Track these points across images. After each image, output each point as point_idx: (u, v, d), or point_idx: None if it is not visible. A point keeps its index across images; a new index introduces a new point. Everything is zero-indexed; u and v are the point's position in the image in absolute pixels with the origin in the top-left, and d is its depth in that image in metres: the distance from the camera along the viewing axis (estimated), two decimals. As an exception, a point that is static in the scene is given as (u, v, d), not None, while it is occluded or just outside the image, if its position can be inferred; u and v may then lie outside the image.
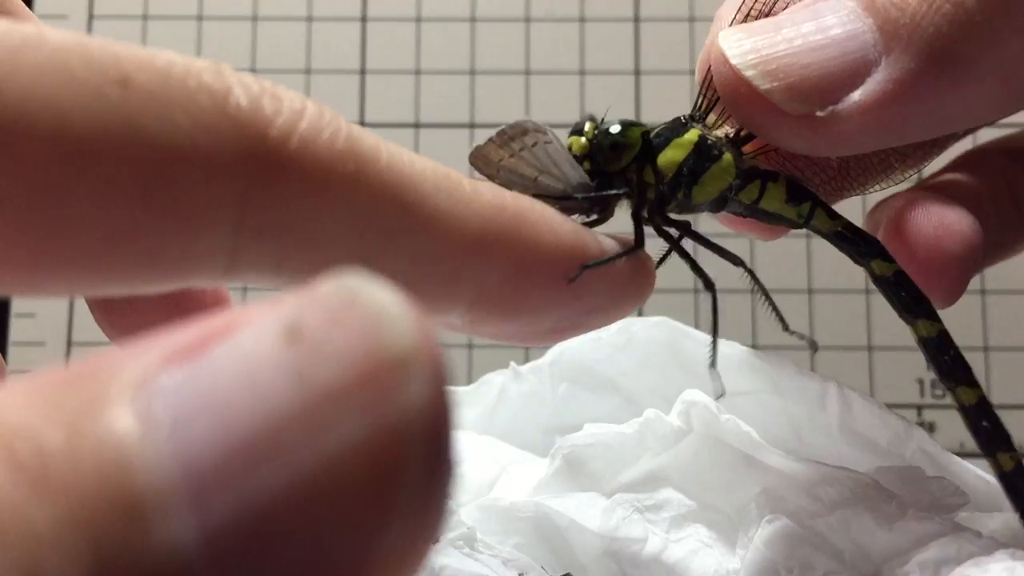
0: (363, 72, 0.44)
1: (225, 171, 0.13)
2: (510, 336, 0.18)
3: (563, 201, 0.19)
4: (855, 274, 0.42)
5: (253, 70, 0.44)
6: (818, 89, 0.18)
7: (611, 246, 0.18)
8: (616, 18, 0.44)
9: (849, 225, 0.22)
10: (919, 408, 0.41)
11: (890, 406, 0.24)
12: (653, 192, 0.20)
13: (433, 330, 0.08)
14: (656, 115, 0.43)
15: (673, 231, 0.21)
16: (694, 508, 0.22)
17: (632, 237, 0.19)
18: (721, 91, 0.19)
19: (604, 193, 0.20)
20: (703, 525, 0.22)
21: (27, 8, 0.21)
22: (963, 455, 0.24)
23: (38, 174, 0.11)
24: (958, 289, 0.21)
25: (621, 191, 0.20)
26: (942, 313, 0.22)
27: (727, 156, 0.20)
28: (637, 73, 0.44)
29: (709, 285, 0.21)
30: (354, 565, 0.08)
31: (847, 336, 0.42)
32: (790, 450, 0.23)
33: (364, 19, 0.45)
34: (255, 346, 0.08)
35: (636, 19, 0.44)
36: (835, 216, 0.22)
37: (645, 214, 0.20)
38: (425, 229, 0.15)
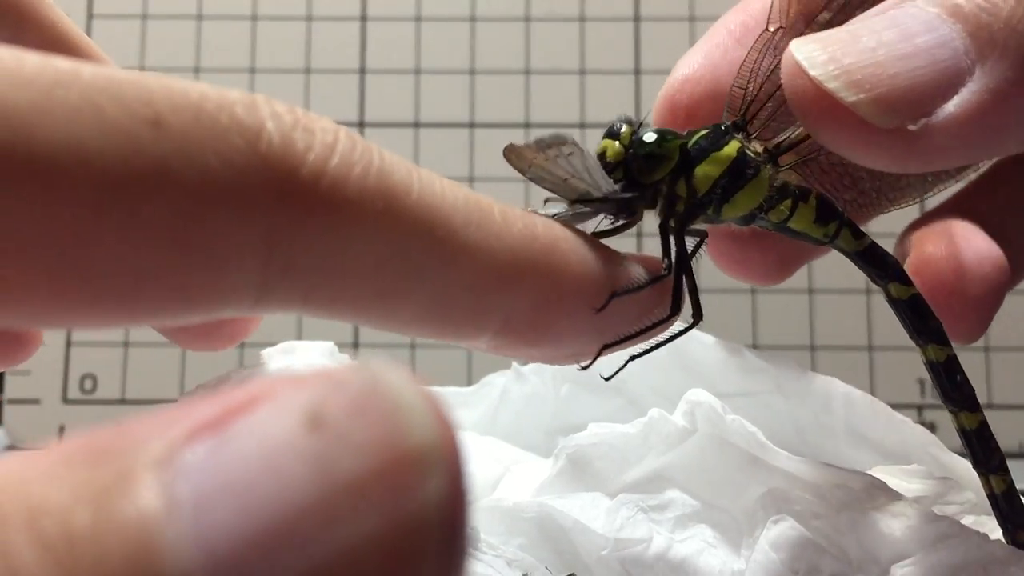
0: (363, 72, 0.44)
1: (255, 210, 0.12)
2: (535, 360, 0.18)
3: (590, 202, 0.19)
4: (855, 274, 0.42)
5: (253, 70, 0.44)
6: (909, 100, 0.17)
7: (639, 272, 0.18)
8: (616, 18, 0.44)
9: (872, 246, 0.21)
10: (919, 408, 0.41)
11: (891, 406, 0.24)
12: (683, 205, 0.20)
13: (452, 421, 0.09)
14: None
15: (689, 241, 0.20)
16: (699, 508, 0.22)
17: (660, 258, 0.19)
18: (798, 104, 0.18)
19: (629, 196, 0.19)
20: (708, 525, 0.22)
21: (83, 34, 0.21)
22: (963, 455, 0.24)
23: (68, 216, 0.11)
24: (979, 331, 0.21)
25: (648, 200, 0.19)
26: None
27: (763, 173, 0.20)
28: (637, 73, 0.44)
29: (698, 316, 0.20)
30: None
31: (847, 336, 0.42)
32: (794, 451, 0.23)
33: (364, 19, 0.45)
34: (277, 430, 0.08)
35: (636, 19, 0.44)
36: (860, 236, 0.21)
37: (672, 224, 0.20)
38: (454, 262, 0.15)
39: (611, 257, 0.18)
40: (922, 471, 0.22)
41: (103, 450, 0.08)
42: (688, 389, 0.23)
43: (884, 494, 0.20)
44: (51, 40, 0.20)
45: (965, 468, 0.23)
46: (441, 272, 0.15)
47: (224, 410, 0.08)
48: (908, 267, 0.22)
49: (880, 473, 0.22)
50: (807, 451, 0.24)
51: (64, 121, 0.11)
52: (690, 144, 0.20)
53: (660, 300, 0.18)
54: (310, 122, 0.13)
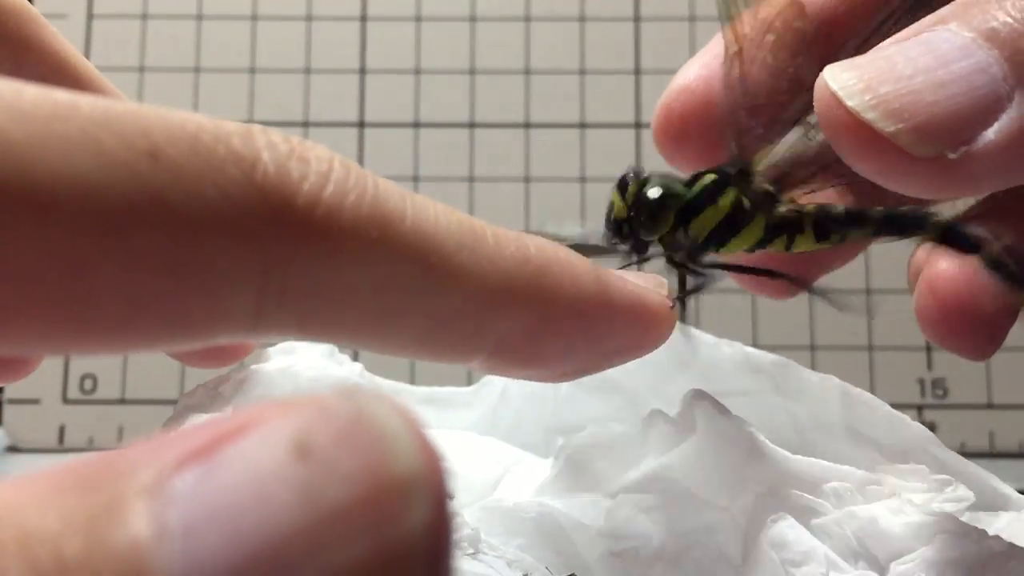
0: (363, 72, 0.44)
1: (251, 239, 0.13)
2: (529, 379, 0.18)
3: (603, 251, 0.20)
4: (855, 274, 0.42)
5: (253, 70, 0.44)
6: (948, 129, 0.16)
7: (633, 288, 0.18)
8: (616, 18, 0.44)
9: (886, 220, 0.21)
10: (919, 408, 0.41)
11: (891, 406, 0.24)
12: (684, 251, 0.21)
13: (437, 450, 0.09)
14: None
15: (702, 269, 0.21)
16: (698, 507, 0.22)
17: (657, 276, 0.19)
18: (834, 134, 0.17)
19: (633, 246, 0.20)
20: (707, 524, 0.22)
21: (85, 61, 0.21)
22: (963, 455, 0.24)
23: (66, 247, 0.11)
24: (993, 348, 0.21)
25: (649, 247, 0.20)
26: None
27: (758, 219, 0.20)
28: (637, 73, 0.44)
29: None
30: None
31: (847, 336, 0.42)
32: (794, 450, 0.23)
33: (364, 18, 0.45)
34: (265, 458, 0.08)
35: (636, 19, 0.44)
36: (864, 223, 0.21)
37: (677, 261, 0.21)
38: (447, 287, 0.15)
39: (603, 278, 0.18)
40: (921, 470, 0.22)
41: (94, 477, 0.08)
42: (687, 388, 0.23)
43: (883, 492, 0.20)
44: (53, 69, 0.20)
45: (964, 466, 0.23)
46: (435, 297, 0.15)
47: (213, 438, 0.08)
48: (922, 281, 0.22)
49: (879, 472, 0.22)
50: (807, 450, 0.24)
51: (62, 154, 0.11)
52: (689, 198, 0.20)
53: (654, 319, 0.19)
54: (305, 151, 0.13)
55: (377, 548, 0.08)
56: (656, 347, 0.19)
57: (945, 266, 0.21)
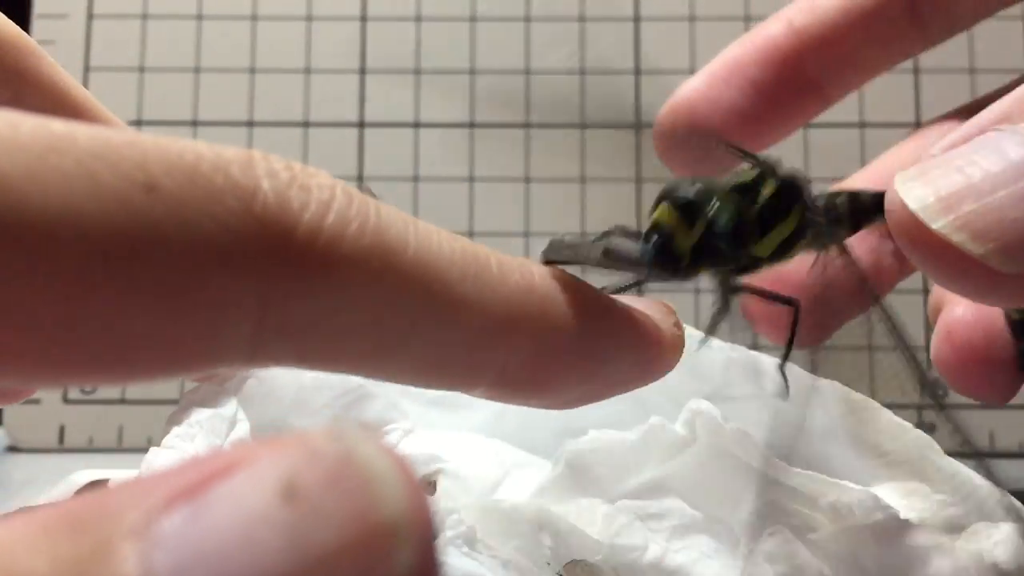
0: (363, 72, 0.44)
1: (250, 271, 0.12)
2: (533, 407, 0.18)
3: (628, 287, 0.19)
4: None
5: (253, 70, 0.44)
6: None
7: (640, 316, 0.18)
8: (616, 18, 0.44)
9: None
10: (919, 408, 0.41)
11: (890, 406, 0.24)
12: (736, 269, 0.19)
13: (423, 493, 0.09)
14: (656, 115, 0.43)
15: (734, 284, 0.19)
16: (697, 518, 0.22)
17: (664, 303, 0.18)
18: (917, 254, 0.17)
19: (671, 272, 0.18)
20: (705, 536, 0.22)
21: (83, 89, 0.21)
22: (963, 455, 0.24)
23: (61, 281, 0.11)
24: (1011, 393, 0.21)
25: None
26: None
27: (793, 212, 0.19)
28: (637, 73, 0.44)
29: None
30: None
31: (847, 336, 0.42)
32: (799, 457, 0.23)
33: (364, 19, 0.45)
34: (253, 500, 0.08)
35: (636, 19, 0.44)
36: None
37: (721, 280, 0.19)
38: (449, 317, 0.15)
39: (611, 306, 0.17)
40: (923, 489, 0.22)
41: (83, 519, 0.08)
42: (697, 393, 0.23)
43: (881, 511, 0.20)
44: (51, 100, 0.20)
45: (966, 474, 0.23)
46: (437, 327, 0.15)
47: (200, 478, 0.08)
48: (939, 326, 0.21)
49: (882, 490, 0.22)
50: (811, 456, 0.24)
51: (58, 187, 0.11)
52: (762, 215, 0.19)
53: (659, 350, 0.18)
54: (307, 179, 0.13)
55: None
56: (661, 376, 0.18)
57: (962, 312, 0.21)
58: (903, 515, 0.21)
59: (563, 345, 0.16)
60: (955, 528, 0.21)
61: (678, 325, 0.18)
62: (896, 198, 0.17)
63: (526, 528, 0.22)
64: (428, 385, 0.16)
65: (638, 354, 0.18)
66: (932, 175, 0.17)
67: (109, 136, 0.12)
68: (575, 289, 0.17)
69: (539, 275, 0.16)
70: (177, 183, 0.12)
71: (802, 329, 0.21)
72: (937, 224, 0.16)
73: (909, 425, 0.24)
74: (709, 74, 0.23)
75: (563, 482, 0.23)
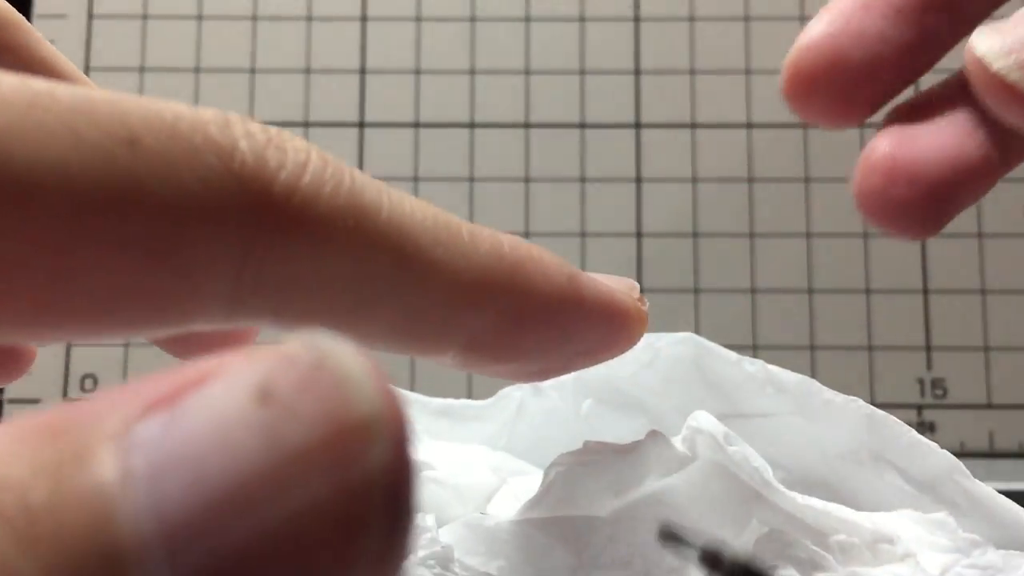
0: (363, 72, 0.44)
1: (227, 227, 0.13)
2: (500, 375, 0.19)
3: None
4: (855, 274, 0.42)
5: (253, 70, 0.44)
6: None
7: (605, 288, 0.18)
8: (616, 18, 0.44)
9: None
10: (919, 408, 0.41)
11: (890, 406, 0.24)
12: None
13: (397, 394, 0.09)
14: (656, 115, 0.43)
15: None
16: (693, 539, 0.21)
17: (630, 279, 0.19)
18: (983, 93, 0.19)
19: None
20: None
21: (63, 57, 0.21)
22: (963, 455, 0.24)
23: (44, 234, 0.12)
24: (926, 227, 0.20)
25: None
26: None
27: None
28: (637, 73, 0.44)
29: None
30: None
31: (847, 336, 0.42)
32: (818, 476, 0.22)
33: (364, 19, 0.45)
34: (228, 404, 0.08)
35: (636, 19, 0.44)
36: None
37: None
38: (421, 280, 0.15)
39: (576, 277, 0.18)
40: (949, 524, 0.21)
41: (61, 427, 0.08)
42: (712, 408, 0.22)
43: (895, 553, 0.20)
44: (31, 64, 0.20)
45: (991, 499, 0.22)
46: (409, 289, 0.15)
47: (177, 386, 0.09)
48: (860, 159, 0.21)
49: (905, 520, 0.21)
50: (829, 477, 0.23)
51: (41, 142, 0.11)
52: None
53: (626, 321, 0.19)
54: (283, 141, 0.14)
55: (339, 487, 0.08)
56: (626, 349, 0.19)
57: (874, 148, 0.21)
58: (925, 554, 0.20)
59: (531, 313, 0.17)
60: (984, 571, 0.20)
61: (642, 300, 0.19)
62: (971, 47, 0.19)
63: (509, 548, 0.22)
64: (402, 349, 0.17)
65: (604, 323, 0.18)
66: (1002, 29, 0.19)
67: (89, 94, 0.12)
68: (543, 259, 0.17)
69: (508, 245, 0.17)
70: (158, 139, 0.12)
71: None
72: (998, 65, 0.19)
73: (935, 445, 0.23)
74: (840, 9, 0.22)
75: (552, 497, 0.22)
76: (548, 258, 0.18)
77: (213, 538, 0.08)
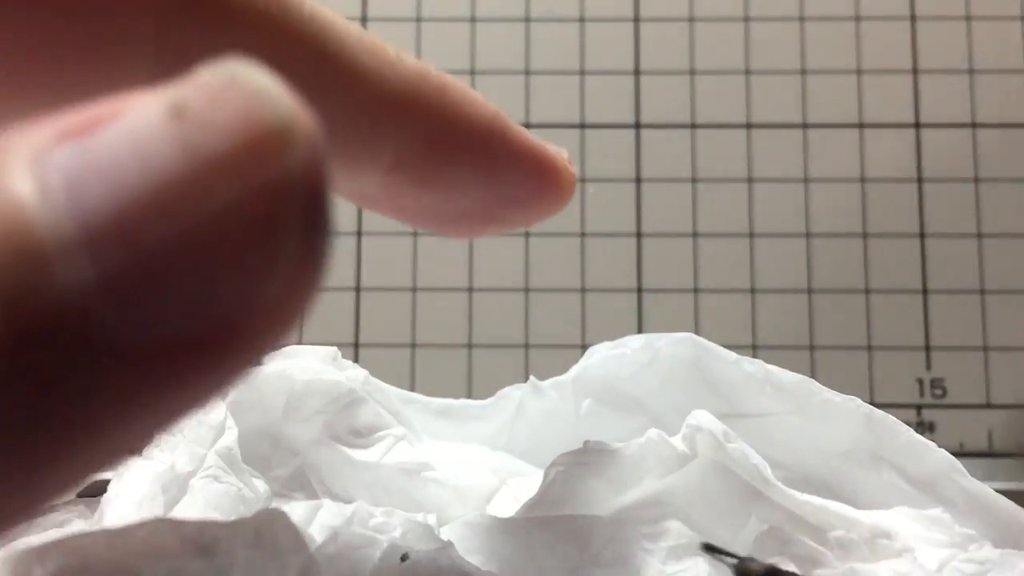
0: (363, 72, 0.44)
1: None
2: (427, 216, 0.18)
3: None
4: (855, 274, 0.42)
5: (253, 70, 0.44)
6: None
7: (535, 139, 0.18)
8: (616, 18, 0.44)
9: None
10: (919, 408, 0.41)
11: (890, 406, 0.24)
12: None
13: (308, 107, 0.09)
14: (656, 115, 0.43)
15: None
16: (695, 540, 0.21)
17: (554, 148, 0.19)
18: None
19: None
20: (704, 559, 0.21)
21: None
22: (962, 455, 0.24)
23: None
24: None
25: None
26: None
27: None
28: (637, 73, 0.44)
29: None
30: (241, 306, 0.09)
31: (847, 336, 0.42)
32: (817, 475, 0.22)
33: (364, 19, 0.45)
34: (142, 123, 0.09)
35: (636, 19, 0.44)
36: None
37: None
38: (345, 82, 0.16)
39: (505, 116, 0.18)
40: (946, 520, 0.21)
41: None
42: (711, 408, 0.22)
43: (892, 548, 0.20)
44: None
45: (986, 496, 0.22)
46: (332, 90, 0.15)
47: (90, 117, 0.09)
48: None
49: (902, 516, 0.21)
50: (829, 476, 0.23)
51: None
52: None
53: (552, 171, 0.19)
54: None
55: (257, 189, 0.09)
56: (557, 206, 0.19)
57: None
58: (923, 549, 0.20)
59: (457, 137, 0.17)
60: (981, 565, 0.20)
61: (571, 163, 0.19)
62: None
63: (508, 547, 0.22)
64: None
65: (532, 170, 0.18)
66: None
67: None
68: (469, 90, 0.18)
69: (436, 71, 0.17)
70: None
71: None
72: None
73: (932, 444, 0.23)
74: None
75: (553, 496, 0.22)
76: (474, 92, 0.18)
77: (135, 236, 0.08)
